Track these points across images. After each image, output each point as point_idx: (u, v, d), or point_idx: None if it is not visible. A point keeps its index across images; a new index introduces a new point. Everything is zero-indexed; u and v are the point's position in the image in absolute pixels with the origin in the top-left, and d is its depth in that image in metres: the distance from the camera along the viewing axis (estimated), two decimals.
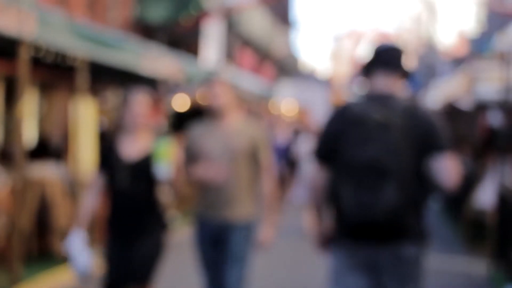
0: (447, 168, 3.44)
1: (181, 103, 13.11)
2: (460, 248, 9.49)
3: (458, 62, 21.98)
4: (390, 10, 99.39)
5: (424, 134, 3.45)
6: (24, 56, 6.34)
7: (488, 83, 9.04)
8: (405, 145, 3.41)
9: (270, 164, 4.85)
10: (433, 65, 30.13)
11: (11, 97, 8.73)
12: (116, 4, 13.50)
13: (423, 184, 3.48)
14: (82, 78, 7.79)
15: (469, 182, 10.05)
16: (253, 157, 4.80)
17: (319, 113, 19.09)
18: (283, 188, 10.77)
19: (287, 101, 23.23)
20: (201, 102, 12.90)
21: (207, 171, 4.71)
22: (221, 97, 4.82)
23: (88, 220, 4.68)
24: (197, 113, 10.19)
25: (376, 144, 3.40)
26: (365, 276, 3.53)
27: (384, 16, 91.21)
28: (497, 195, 7.96)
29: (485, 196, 9.03)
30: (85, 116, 7.96)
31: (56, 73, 9.21)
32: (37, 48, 6.75)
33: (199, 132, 4.88)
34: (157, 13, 14.36)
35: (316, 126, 10.54)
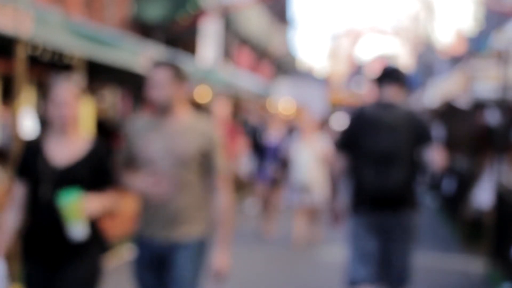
0: (434, 155, 4.81)
1: None
2: (457, 247, 9.50)
3: (455, 60, 21.99)
4: (388, 8, 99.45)
5: (418, 132, 4.81)
6: (21, 54, 6.33)
7: (485, 82, 9.05)
8: (406, 140, 4.75)
9: (226, 172, 3.89)
10: (431, 63, 30.15)
11: (8, 96, 8.72)
12: (113, 3, 13.49)
13: (417, 166, 4.85)
14: (79, 77, 7.78)
15: (466, 181, 10.05)
16: (206, 163, 3.84)
17: (317, 112, 19.08)
18: (275, 191, 10.35)
19: (284, 100, 23.25)
20: (199, 100, 12.90)
21: (147, 183, 3.78)
22: (165, 87, 3.79)
23: (8, 244, 3.77)
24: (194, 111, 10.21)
25: (386, 139, 4.72)
26: (376, 237, 4.81)
27: (382, 14, 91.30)
28: (495, 193, 7.97)
29: (483, 194, 9.04)
30: (82, 115, 7.95)
31: (53, 71, 9.20)
32: (34, 47, 6.74)
33: (138, 129, 3.90)
34: (154, 12, 14.35)
35: (311, 125, 9.90)
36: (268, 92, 21.80)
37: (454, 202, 11.16)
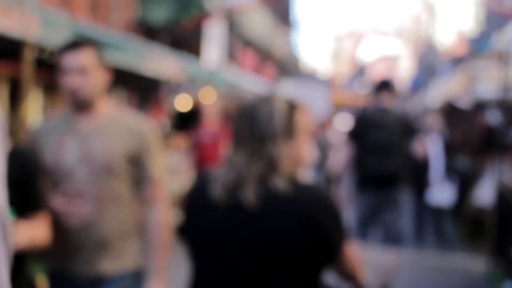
0: (418, 145, 6.45)
1: (183, 103, 13.13)
2: (459, 245, 9.49)
3: (457, 61, 21.96)
4: (390, 10, 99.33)
5: (406, 128, 6.34)
6: (28, 57, 6.34)
7: (486, 82, 9.04)
8: (397, 135, 6.23)
9: (163, 181, 3.00)
10: (432, 64, 30.11)
11: (15, 99, 8.74)
12: (119, 6, 13.51)
13: (406, 154, 6.36)
14: None
15: (468, 180, 10.04)
16: (137, 170, 2.93)
17: (320, 112, 19.07)
18: None
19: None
20: (203, 102, 12.91)
21: (59, 203, 2.82)
22: (87, 74, 2.88)
23: None
24: (199, 113, 10.18)
25: (383, 134, 6.18)
26: (375, 207, 6.29)
27: (384, 16, 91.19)
28: (496, 192, 7.96)
29: (484, 193, 9.03)
30: None
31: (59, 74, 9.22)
32: (40, 50, 6.76)
33: (47, 134, 2.96)
34: (159, 15, 14.36)
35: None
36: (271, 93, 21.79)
37: (456, 201, 11.15)
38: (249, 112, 2.24)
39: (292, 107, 2.27)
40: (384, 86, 6.46)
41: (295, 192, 2.16)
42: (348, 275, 2.27)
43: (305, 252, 2.13)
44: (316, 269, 2.18)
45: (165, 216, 3.01)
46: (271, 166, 2.17)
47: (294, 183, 2.18)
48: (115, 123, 2.96)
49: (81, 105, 2.93)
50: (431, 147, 9.27)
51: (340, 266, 2.23)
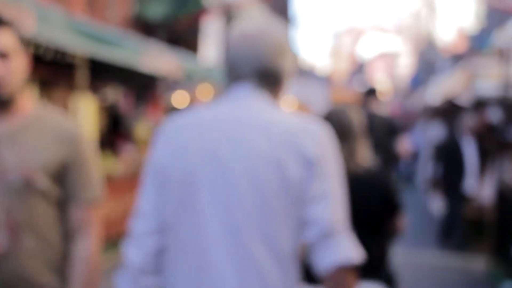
0: (401, 144, 7.25)
1: (180, 99, 13.14)
2: (460, 245, 9.51)
3: (457, 58, 21.99)
4: (389, 6, 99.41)
5: (391, 129, 7.20)
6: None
7: (487, 80, 9.06)
8: (383, 135, 7.06)
9: (97, 200, 2.36)
10: (432, 61, 30.14)
11: None
12: (116, 1, 13.52)
13: (391, 153, 7.22)
14: (82, 76, 7.80)
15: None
16: (65, 185, 2.31)
17: (319, 110, 19.09)
18: None
19: (286, 98, 23.27)
20: (200, 98, 12.92)
21: None
22: (4, 59, 2.26)
23: None
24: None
25: (372, 135, 6.61)
26: None
27: (384, 12, 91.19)
28: (496, 191, 7.97)
29: (485, 192, 9.04)
30: (85, 113, 7.98)
31: (55, 70, 9.23)
32: (36, 46, 6.76)
33: None
34: (156, 11, 14.37)
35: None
36: None
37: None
38: (336, 118, 3.35)
39: (358, 114, 3.39)
40: (371, 93, 7.41)
41: (367, 174, 3.29)
42: (393, 231, 3.43)
43: (374, 212, 3.26)
44: (381, 224, 3.30)
45: (94, 250, 2.34)
46: (352, 155, 3.27)
47: (365, 167, 3.30)
48: (37, 125, 2.31)
49: None
50: (466, 151, 9.23)
51: (391, 224, 3.37)
